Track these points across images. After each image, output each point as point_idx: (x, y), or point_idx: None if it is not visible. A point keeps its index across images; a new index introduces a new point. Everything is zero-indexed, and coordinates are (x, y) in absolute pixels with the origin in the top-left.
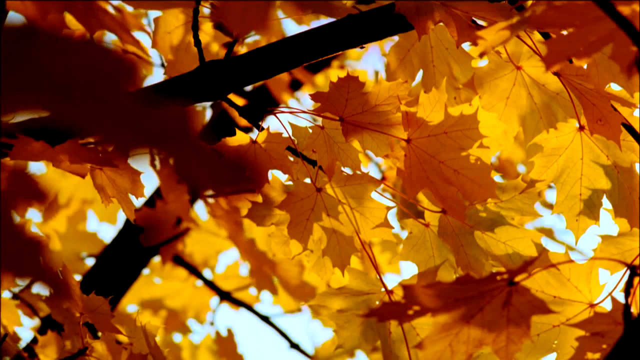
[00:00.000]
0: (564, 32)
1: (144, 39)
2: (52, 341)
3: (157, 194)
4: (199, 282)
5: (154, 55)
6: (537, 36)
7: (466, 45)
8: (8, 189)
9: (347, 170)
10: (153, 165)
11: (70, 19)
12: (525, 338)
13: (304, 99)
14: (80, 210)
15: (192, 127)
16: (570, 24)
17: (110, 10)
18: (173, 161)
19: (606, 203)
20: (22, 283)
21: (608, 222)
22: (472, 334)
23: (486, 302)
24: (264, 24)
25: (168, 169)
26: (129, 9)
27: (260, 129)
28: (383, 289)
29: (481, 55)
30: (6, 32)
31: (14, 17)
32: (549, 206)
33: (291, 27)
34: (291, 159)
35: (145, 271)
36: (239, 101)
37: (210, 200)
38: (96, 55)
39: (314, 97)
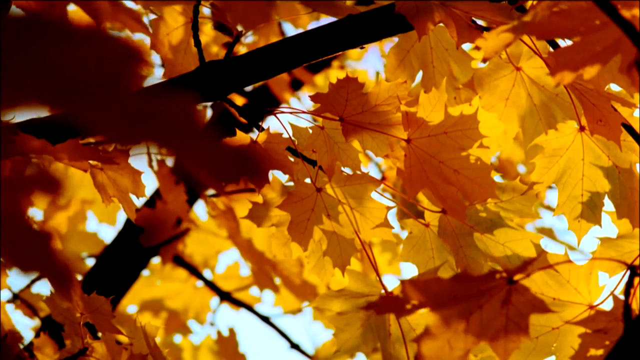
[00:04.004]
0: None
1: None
2: (48, 343)
3: (158, 194)
4: (199, 283)
5: (154, 56)
6: None
7: (466, 46)
8: (20, 180)
9: (347, 170)
10: (151, 165)
11: (74, 13)
12: (524, 336)
13: (304, 98)
14: (81, 211)
15: (198, 121)
16: (574, 31)
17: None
18: (178, 156)
19: (607, 204)
20: (24, 281)
21: (610, 224)
22: (471, 331)
23: (485, 300)
24: (266, 21)
25: (165, 169)
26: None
27: (261, 129)
28: (383, 291)
29: (484, 61)
30: (8, 23)
31: (17, 10)
32: (549, 207)
33: (289, 30)
34: (291, 159)
35: (146, 272)
36: (240, 101)
37: (211, 199)
38: (102, 46)
39: (313, 98)
